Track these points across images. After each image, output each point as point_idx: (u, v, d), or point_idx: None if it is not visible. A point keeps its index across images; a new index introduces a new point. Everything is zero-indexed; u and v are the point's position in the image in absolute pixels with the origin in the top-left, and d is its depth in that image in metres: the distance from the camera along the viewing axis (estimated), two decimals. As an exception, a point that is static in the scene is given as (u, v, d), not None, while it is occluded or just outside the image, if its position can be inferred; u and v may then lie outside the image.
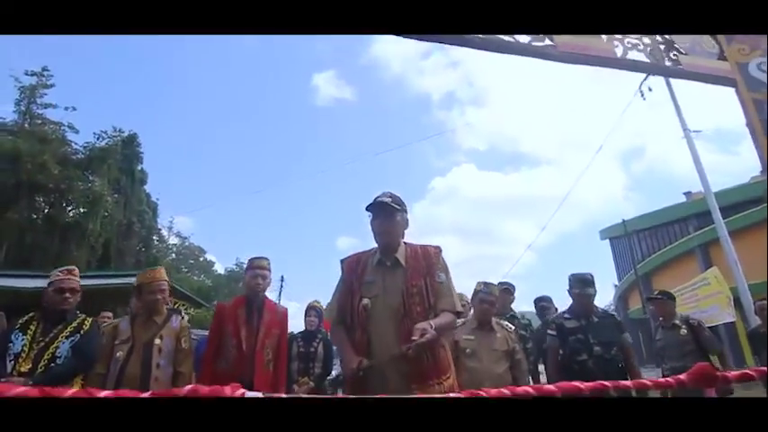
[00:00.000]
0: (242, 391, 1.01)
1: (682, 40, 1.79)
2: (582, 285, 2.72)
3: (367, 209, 1.79)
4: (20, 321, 2.15)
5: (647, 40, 1.76)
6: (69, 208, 17.10)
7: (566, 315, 2.80)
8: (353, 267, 1.81)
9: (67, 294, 2.17)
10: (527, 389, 1.13)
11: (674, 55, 1.77)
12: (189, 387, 1.00)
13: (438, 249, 1.82)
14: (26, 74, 17.04)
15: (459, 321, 2.91)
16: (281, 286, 19.20)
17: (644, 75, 7.73)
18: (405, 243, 1.82)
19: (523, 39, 1.58)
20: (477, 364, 2.48)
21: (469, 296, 3.01)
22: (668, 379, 1.19)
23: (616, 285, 24.33)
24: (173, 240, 29.39)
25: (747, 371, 1.30)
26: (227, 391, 1.00)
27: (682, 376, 1.20)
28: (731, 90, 1.87)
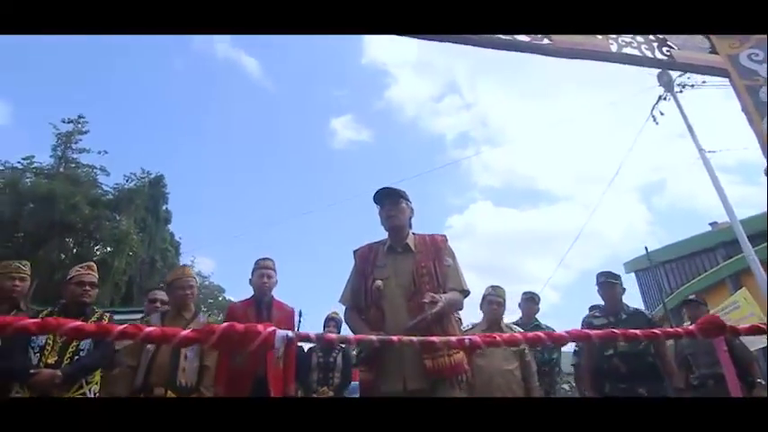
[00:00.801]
0: (273, 328, 1.11)
1: (674, 37, 1.93)
2: (604, 276, 2.80)
3: (374, 200, 1.93)
4: (40, 316, 2.26)
5: (640, 38, 1.91)
6: (96, 247, 17.73)
7: (596, 314, 2.86)
8: (366, 255, 1.94)
9: (87, 287, 2.31)
10: (539, 334, 1.19)
11: (667, 51, 1.91)
12: (225, 324, 1.11)
13: (444, 237, 1.97)
14: (63, 121, 18.31)
15: (470, 325, 2.97)
16: (300, 321, 19.03)
17: (655, 99, 7.90)
18: (413, 233, 1.95)
19: (521, 36, 1.74)
20: (488, 362, 2.58)
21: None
22: (677, 329, 1.23)
23: (645, 321, 23.25)
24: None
25: (758, 324, 1.32)
26: (261, 327, 1.10)
27: (691, 327, 1.24)
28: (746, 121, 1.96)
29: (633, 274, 23.98)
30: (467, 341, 1.12)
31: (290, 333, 1.09)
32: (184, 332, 1.08)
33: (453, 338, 1.14)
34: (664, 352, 2.67)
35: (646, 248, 19.89)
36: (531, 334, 1.14)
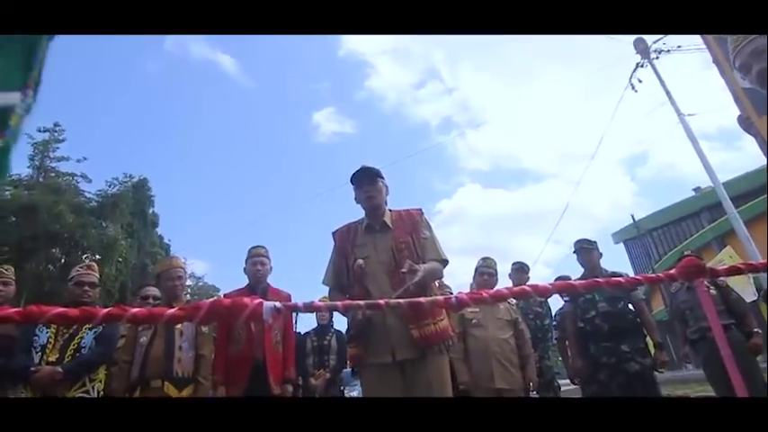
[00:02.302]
0: (259, 300, 1.10)
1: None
2: (580, 243, 2.89)
3: (351, 181, 1.94)
4: None
5: None
6: (85, 255, 17.47)
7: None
8: (345, 236, 1.96)
9: (87, 288, 2.29)
10: (524, 287, 1.20)
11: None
12: (211, 299, 1.10)
13: (420, 211, 1.99)
14: (38, 130, 17.81)
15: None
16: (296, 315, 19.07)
17: (632, 68, 7.95)
18: (389, 209, 1.98)
19: None
20: (484, 332, 2.66)
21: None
22: (659, 274, 1.26)
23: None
24: (187, 282, 29.65)
25: (737, 264, 1.35)
26: (247, 300, 1.10)
27: (672, 270, 1.26)
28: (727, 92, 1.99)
29: (623, 245, 24.42)
30: (454, 300, 1.13)
31: (277, 304, 1.09)
32: (171, 310, 1.07)
33: (440, 298, 1.15)
34: (642, 309, 2.77)
35: (632, 216, 20.25)
36: (516, 288, 1.15)
